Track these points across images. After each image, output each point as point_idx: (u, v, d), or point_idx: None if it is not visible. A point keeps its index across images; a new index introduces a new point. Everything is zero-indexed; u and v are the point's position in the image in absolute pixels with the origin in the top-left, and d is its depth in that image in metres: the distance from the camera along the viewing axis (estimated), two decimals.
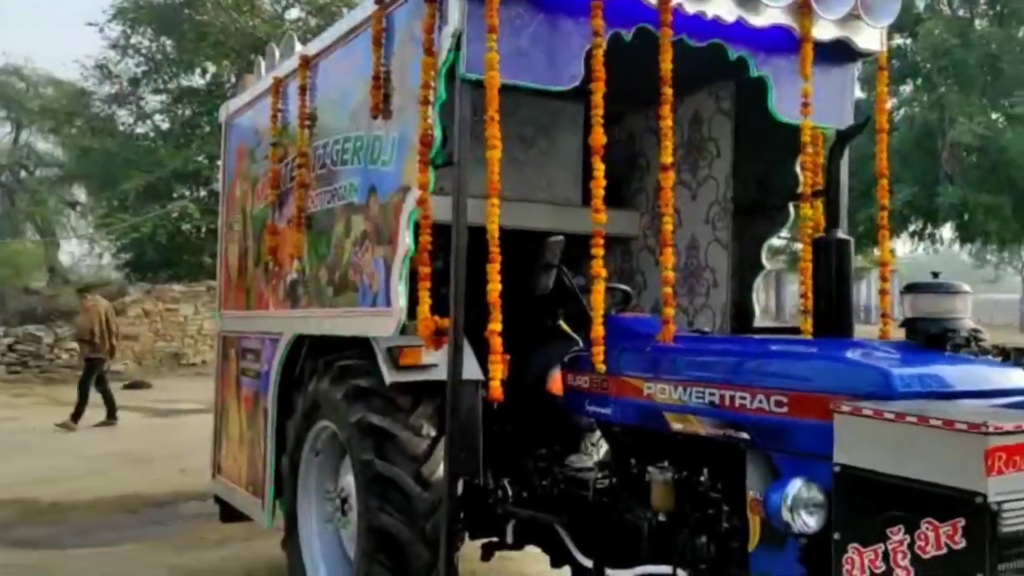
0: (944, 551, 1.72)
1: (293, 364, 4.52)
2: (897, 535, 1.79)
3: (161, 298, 20.36)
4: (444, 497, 3.28)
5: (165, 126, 26.66)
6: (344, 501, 4.01)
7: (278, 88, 4.75)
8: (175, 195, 25.32)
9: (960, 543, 1.70)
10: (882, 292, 3.89)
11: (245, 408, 5.14)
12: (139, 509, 7.09)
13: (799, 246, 3.91)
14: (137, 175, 23.55)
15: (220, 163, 5.93)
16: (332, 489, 4.22)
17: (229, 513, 5.50)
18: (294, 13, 26.21)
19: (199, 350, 20.28)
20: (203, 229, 24.48)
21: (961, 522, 1.71)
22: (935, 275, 2.61)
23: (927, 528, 1.75)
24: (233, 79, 24.88)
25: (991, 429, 1.71)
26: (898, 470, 1.84)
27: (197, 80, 26.27)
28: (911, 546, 1.78)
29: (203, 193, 25.65)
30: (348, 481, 3.94)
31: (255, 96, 5.24)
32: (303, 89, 4.39)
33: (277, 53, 5.08)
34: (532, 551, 4.01)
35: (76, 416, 11.41)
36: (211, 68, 25.82)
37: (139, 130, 27.07)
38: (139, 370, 18.99)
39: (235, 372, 5.35)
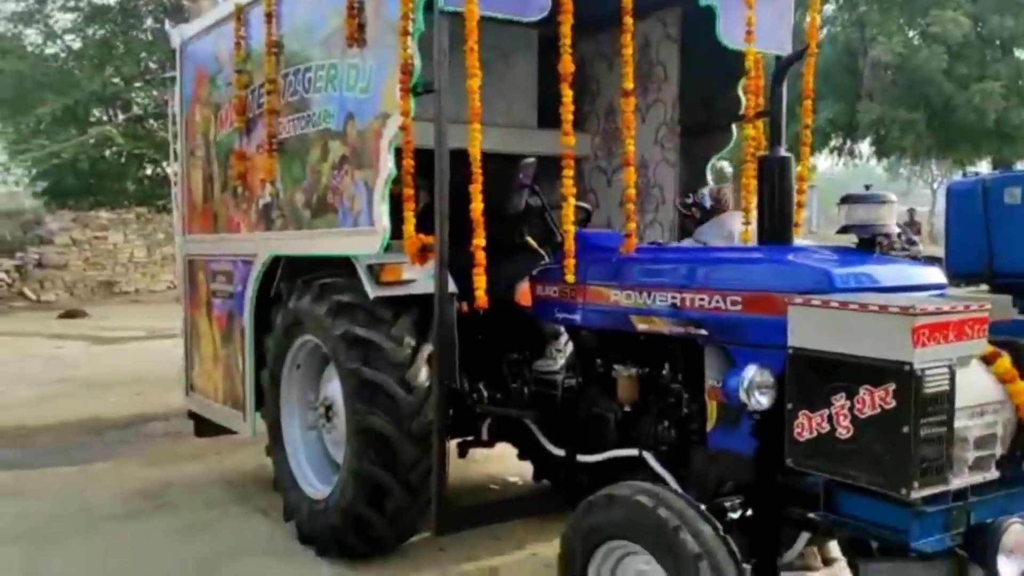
0: (878, 411, 2.13)
1: (268, 285, 4.74)
2: (840, 401, 2.20)
3: (88, 225, 19.91)
4: (434, 398, 3.60)
5: (77, 46, 25.49)
6: (328, 408, 4.32)
7: (240, 15, 4.83)
8: (93, 119, 24.45)
9: (891, 403, 2.11)
10: (799, 205, 4.26)
11: (219, 327, 5.35)
12: (103, 431, 7.25)
13: (745, 164, 4.24)
14: (52, 98, 22.62)
15: (176, 90, 5.96)
16: (314, 399, 4.51)
17: (204, 429, 5.75)
18: None
19: (132, 278, 20.03)
20: (125, 155, 23.82)
21: (892, 386, 2.11)
22: (867, 187, 2.99)
23: (864, 393, 2.15)
24: None
25: (918, 310, 2.11)
26: (841, 348, 2.23)
27: None
28: (851, 409, 2.18)
29: (123, 117, 24.83)
30: (332, 390, 4.24)
31: (214, 22, 5.28)
32: (269, 17, 4.49)
33: None
34: (503, 448, 4.41)
35: None
36: None
37: (49, 50, 25.81)
38: (71, 299, 18.69)
39: (205, 294, 5.53)
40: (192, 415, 5.90)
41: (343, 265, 4.02)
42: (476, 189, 3.33)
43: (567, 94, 3.47)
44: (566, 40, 3.43)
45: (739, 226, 4.12)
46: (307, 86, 4.29)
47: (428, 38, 3.45)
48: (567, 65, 3.44)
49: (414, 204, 3.58)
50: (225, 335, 5.25)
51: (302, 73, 4.33)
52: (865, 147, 18.71)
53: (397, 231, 3.63)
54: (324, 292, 4.13)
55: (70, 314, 16.03)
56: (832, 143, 18.50)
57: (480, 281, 3.37)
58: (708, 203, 4.39)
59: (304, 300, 4.25)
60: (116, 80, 23.90)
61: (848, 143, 18.50)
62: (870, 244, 2.94)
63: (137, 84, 25.06)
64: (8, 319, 12.07)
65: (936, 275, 2.90)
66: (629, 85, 3.60)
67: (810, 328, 2.34)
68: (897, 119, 15.69)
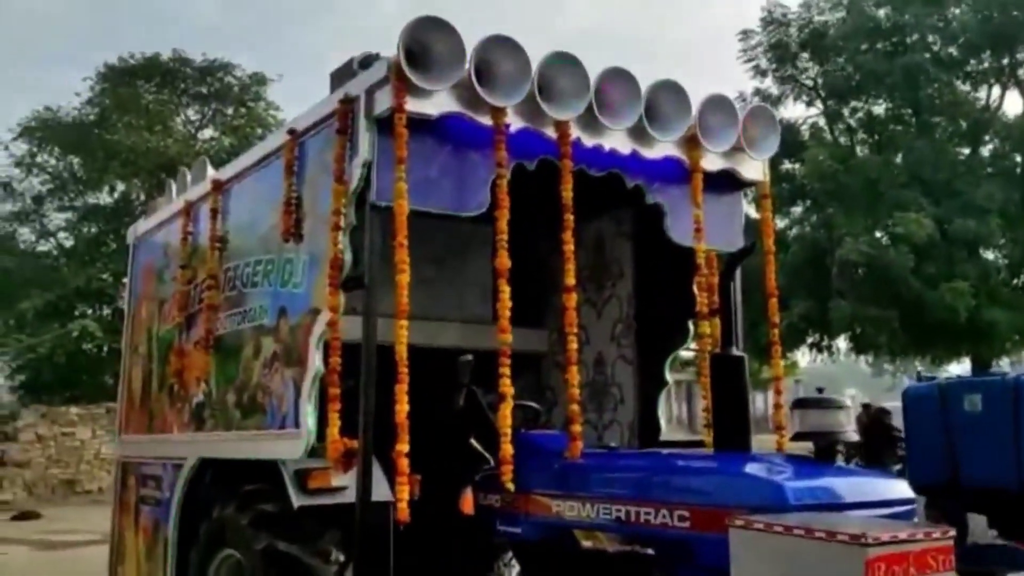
0: None
1: (196, 490, 4.38)
2: None
3: (57, 421, 19.32)
4: None
5: (69, 243, 26.01)
6: None
7: (189, 210, 4.78)
8: (77, 313, 24.49)
9: None
10: (776, 406, 4.05)
11: (144, 538, 4.91)
12: None
13: (700, 362, 4.08)
14: (36, 294, 22.79)
15: (126, 284, 5.85)
16: None
17: None
18: (207, 133, 26.37)
19: (96, 476, 19.20)
20: (105, 348, 23.67)
21: None
22: (820, 390, 2.77)
23: None
24: (142, 197, 24.68)
25: (870, 540, 1.81)
26: None
27: (104, 198, 25.92)
28: None
29: (106, 311, 24.91)
30: None
31: (165, 218, 5.24)
32: (214, 212, 4.44)
33: (188, 176, 5.13)
34: None
35: None
36: (120, 186, 25.55)
37: (41, 248, 26.32)
38: (29, 499, 17.81)
39: (134, 500, 5.14)
40: None
41: (272, 470, 3.70)
42: (402, 390, 3.09)
43: (503, 289, 3.33)
44: (502, 236, 3.33)
45: None
46: (245, 281, 4.15)
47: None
48: (503, 261, 3.33)
49: (341, 404, 3.32)
50: (149, 547, 4.81)
51: (241, 268, 4.20)
52: (842, 343, 18.78)
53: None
54: (249, 500, 3.78)
55: (23, 515, 15.18)
56: (809, 339, 18.57)
57: (403, 491, 3.05)
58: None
59: (229, 508, 3.90)
60: (104, 276, 24.14)
61: (824, 339, 18.58)
62: (829, 453, 2.68)
63: (125, 280, 25.34)
64: None
65: (903, 489, 2.62)
66: (571, 281, 3.47)
67: (754, 555, 2.03)
68: (869, 317, 15.81)
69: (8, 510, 16.19)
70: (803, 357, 21.47)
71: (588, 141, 3.57)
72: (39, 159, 25.22)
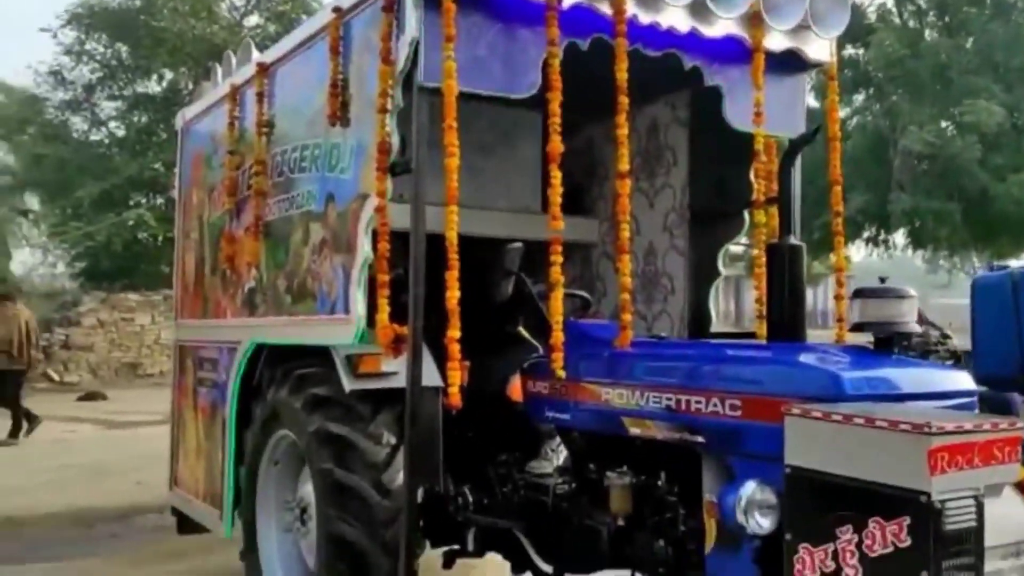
0: (891, 549, 1.77)
1: (251, 373, 4.48)
2: (846, 534, 1.84)
3: (117, 307, 20.01)
4: (404, 505, 3.28)
5: (120, 133, 26.25)
6: (303, 511, 3.99)
7: (235, 95, 4.72)
8: (131, 203, 24.94)
9: (906, 541, 1.75)
10: (837, 297, 3.96)
11: (202, 418, 5.08)
12: (94, 523, 6.95)
13: (755, 252, 3.98)
14: (91, 182, 23.19)
15: (176, 171, 5.87)
16: (291, 499, 4.19)
17: (186, 525, 5.43)
18: (253, 20, 26.02)
19: (156, 360, 19.95)
20: (160, 237, 24.18)
21: (906, 520, 1.76)
22: (882, 280, 2.68)
23: (874, 527, 1.79)
24: (190, 86, 24.62)
25: (934, 429, 1.76)
26: (846, 470, 1.89)
27: (153, 87, 25.93)
28: (859, 545, 1.83)
29: (160, 201, 25.31)
30: (307, 491, 3.91)
31: (212, 103, 5.19)
32: (260, 96, 4.37)
33: (234, 60, 5.04)
34: (493, 558, 4.02)
35: (16, 431, 11.13)
36: (168, 75, 25.51)
37: (93, 137, 26.62)
38: (94, 381, 18.64)
39: (192, 382, 5.29)
40: (175, 511, 5.59)
41: (324, 355, 3.75)
42: (452, 276, 3.06)
43: (555, 176, 3.24)
44: (555, 119, 3.22)
45: None
46: (292, 167, 4.11)
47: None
48: (555, 146, 3.22)
49: (389, 291, 3.32)
50: (208, 427, 4.97)
51: (288, 153, 4.16)
52: (900, 238, 18.37)
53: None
54: (301, 384, 3.85)
55: (89, 396, 15.93)
56: (865, 233, 18.18)
57: (454, 377, 3.07)
58: None
59: (282, 392, 3.98)
60: (156, 166, 24.42)
61: (881, 233, 18.17)
62: (887, 344, 2.60)
63: (176, 169, 25.59)
64: (27, 401, 11.99)
65: (965, 380, 2.55)
66: (624, 167, 3.35)
67: (810, 444, 2.00)
68: (930, 210, 15.36)
69: (75, 391, 17.00)
70: (857, 252, 21.10)
71: (644, 18, 3.38)
72: (88, 47, 25.18)
